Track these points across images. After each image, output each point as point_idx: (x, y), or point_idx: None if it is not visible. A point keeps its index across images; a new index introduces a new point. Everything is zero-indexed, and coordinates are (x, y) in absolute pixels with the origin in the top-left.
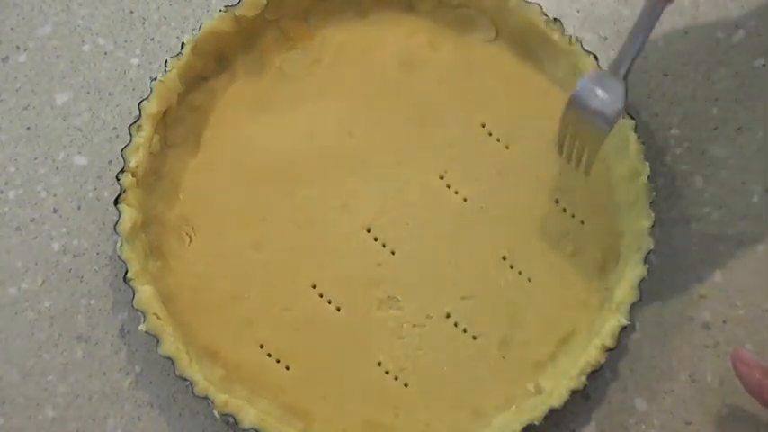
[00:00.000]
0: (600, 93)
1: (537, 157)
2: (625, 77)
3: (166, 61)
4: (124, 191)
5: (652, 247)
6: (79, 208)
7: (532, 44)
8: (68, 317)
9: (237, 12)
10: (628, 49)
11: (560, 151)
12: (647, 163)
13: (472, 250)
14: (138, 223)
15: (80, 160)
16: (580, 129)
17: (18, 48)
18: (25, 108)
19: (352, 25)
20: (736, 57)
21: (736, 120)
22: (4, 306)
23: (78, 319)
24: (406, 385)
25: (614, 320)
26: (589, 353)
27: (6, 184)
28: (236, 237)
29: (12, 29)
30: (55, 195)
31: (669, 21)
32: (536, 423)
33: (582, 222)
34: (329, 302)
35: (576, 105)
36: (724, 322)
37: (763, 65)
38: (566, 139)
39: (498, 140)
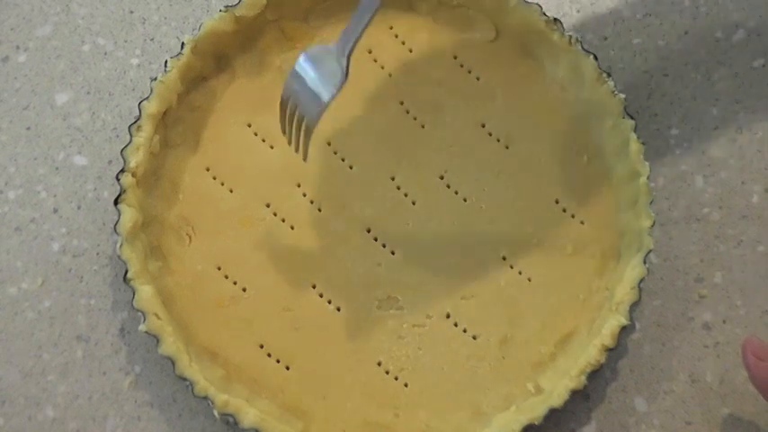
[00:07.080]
0: (318, 72)
1: (537, 157)
2: (348, 56)
3: (166, 61)
4: (124, 191)
5: (652, 247)
6: (79, 208)
7: (532, 44)
8: (68, 317)
9: (237, 12)
10: (353, 30)
11: (283, 131)
12: (647, 163)
13: (472, 250)
14: (138, 223)
15: (80, 160)
16: (297, 105)
17: (18, 48)
18: (25, 108)
19: None
20: (736, 57)
21: (736, 120)
22: (4, 306)
23: (78, 319)
24: (406, 385)
25: (614, 320)
26: (589, 353)
27: (6, 184)
28: (236, 237)
29: (12, 29)
30: (55, 195)
31: (669, 21)
32: (536, 423)
33: (582, 222)
34: (329, 302)
35: (293, 80)
36: (724, 322)
37: (763, 65)
38: (285, 117)
39: (498, 140)
